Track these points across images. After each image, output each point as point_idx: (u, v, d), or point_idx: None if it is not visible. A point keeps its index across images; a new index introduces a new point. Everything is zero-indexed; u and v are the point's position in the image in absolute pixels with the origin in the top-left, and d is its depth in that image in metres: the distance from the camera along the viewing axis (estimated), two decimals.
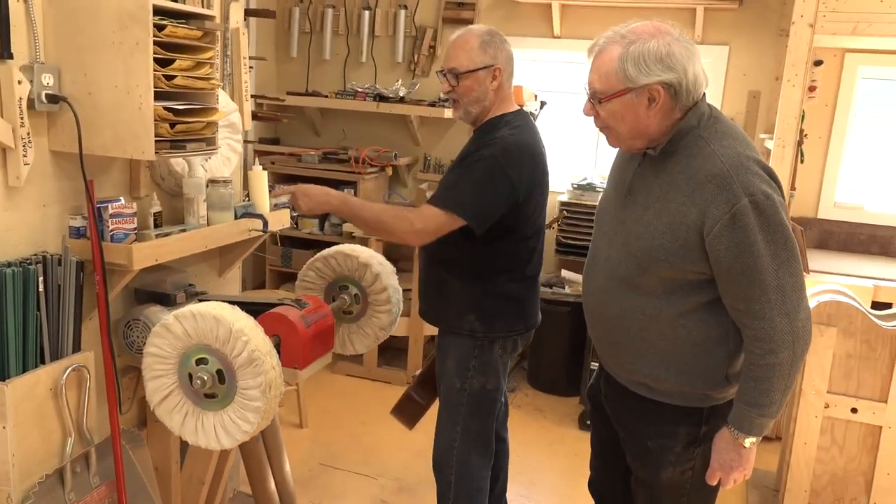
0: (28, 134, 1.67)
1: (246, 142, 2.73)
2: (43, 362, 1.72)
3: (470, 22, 4.12)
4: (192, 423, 1.69)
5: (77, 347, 1.79)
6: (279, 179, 4.10)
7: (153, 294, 2.06)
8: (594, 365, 3.34)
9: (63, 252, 1.75)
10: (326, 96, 4.29)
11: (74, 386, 1.78)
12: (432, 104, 4.07)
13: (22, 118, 1.65)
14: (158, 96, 1.69)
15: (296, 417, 3.40)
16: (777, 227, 1.45)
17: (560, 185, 4.03)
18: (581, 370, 3.73)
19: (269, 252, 4.25)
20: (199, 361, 1.66)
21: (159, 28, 1.69)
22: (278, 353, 1.72)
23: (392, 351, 4.08)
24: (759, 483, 2.96)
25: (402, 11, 4.29)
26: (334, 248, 2.24)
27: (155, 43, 1.66)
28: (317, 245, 3.67)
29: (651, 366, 1.62)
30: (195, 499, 2.15)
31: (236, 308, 1.69)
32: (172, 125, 1.76)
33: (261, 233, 2.22)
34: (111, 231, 1.82)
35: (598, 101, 1.54)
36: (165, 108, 1.72)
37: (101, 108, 1.70)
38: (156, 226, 2.01)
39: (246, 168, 2.44)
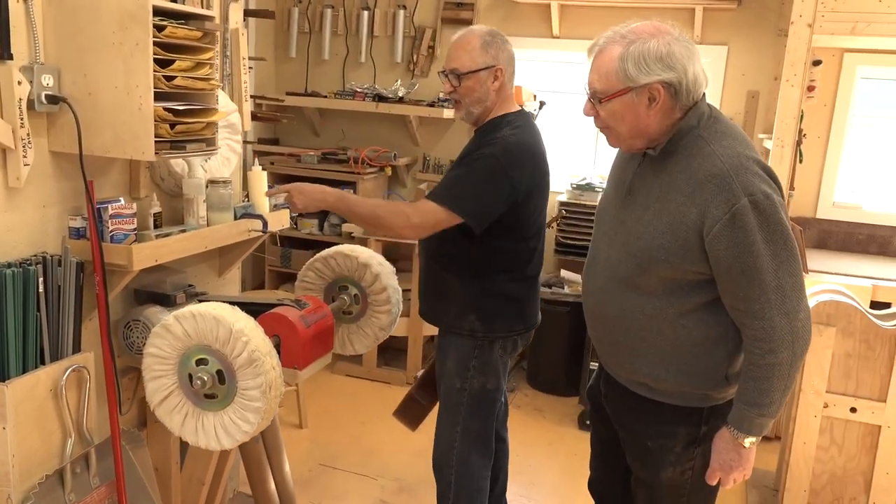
0: (28, 135, 1.67)
1: (245, 142, 2.73)
2: (43, 363, 1.72)
3: (469, 22, 4.12)
4: (192, 423, 1.69)
5: (77, 348, 1.79)
6: (278, 180, 4.08)
7: (153, 295, 2.06)
8: (594, 365, 3.33)
9: (63, 253, 1.75)
10: (325, 96, 4.29)
11: (74, 386, 1.78)
12: (431, 104, 4.07)
13: (22, 119, 1.65)
14: (158, 97, 1.69)
15: (295, 418, 3.40)
16: (777, 227, 1.45)
17: (559, 185, 4.03)
18: (581, 370, 3.73)
19: (268, 252, 4.25)
20: (199, 362, 1.66)
21: (159, 28, 1.69)
22: (278, 353, 1.72)
23: (392, 351, 4.08)
24: (758, 483, 2.97)
25: (401, 11, 4.29)
26: (334, 248, 2.24)
27: (155, 43, 1.67)
28: (316, 245, 3.66)
29: (651, 366, 1.63)
30: (195, 499, 2.15)
31: (236, 308, 1.69)
32: (172, 126, 1.76)
33: (260, 233, 2.23)
34: (111, 232, 1.82)
35: (598, 100, 1.54)
36: (165, 109, 1.72)
37: (101, 108, 1.70)
38: (155, 226, 2.02)
39: (245, 168, 2.44)
